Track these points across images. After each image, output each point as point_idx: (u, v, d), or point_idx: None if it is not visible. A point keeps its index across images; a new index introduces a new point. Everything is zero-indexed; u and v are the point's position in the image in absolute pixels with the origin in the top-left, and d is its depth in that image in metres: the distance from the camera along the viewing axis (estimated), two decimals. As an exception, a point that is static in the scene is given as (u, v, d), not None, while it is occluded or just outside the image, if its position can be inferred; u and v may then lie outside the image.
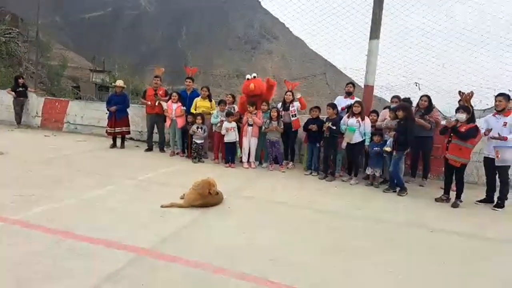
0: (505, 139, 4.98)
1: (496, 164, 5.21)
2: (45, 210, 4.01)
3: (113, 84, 10.21)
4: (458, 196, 5.22)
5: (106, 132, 8.56)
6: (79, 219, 3.80)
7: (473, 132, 5.03)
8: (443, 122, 5.74)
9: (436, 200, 5.36)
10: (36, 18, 13.72)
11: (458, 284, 2.89)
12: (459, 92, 5.50)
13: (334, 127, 6.17)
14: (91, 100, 17.09)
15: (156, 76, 8.32)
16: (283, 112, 7.05)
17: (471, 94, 5.29)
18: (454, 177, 5.33)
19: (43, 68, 19.24)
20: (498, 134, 5.06)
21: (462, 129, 5.02)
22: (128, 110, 8.59)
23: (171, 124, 7.79)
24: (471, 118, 5.12)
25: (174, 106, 7.69)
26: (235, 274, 2.83)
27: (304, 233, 3.82)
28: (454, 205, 5.15)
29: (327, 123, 6.26)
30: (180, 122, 7.66)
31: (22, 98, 10.80)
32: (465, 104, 5.23)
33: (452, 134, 5.16)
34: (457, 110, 5.23)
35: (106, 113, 8.53)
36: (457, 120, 5.12)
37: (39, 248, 3.07)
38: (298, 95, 7.09)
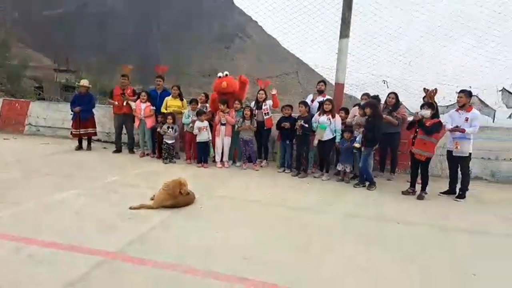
0: (463, 131, 5.27)
1: (454, 154, 5.48)
2: (3, 216, 3.77)
3: (77, 84, 9.79)
4: (423, 189, 5.43)
5: (71, 133, 8.21)
6: (40, 224, 3.61)
7: (437, 127, 5.22)
8: (410, 118, 5.95)
9: (403, 193, 5.55)
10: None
11: (420, 275, 2.99)
12: (424, 89, 5.71)
13: (307, 125, 6.24)
14: (56, 100, 16.33)
15: (123, 75, 8.05)
16: (256, 111, 7.03)
17: (435, 91, 5.48)
18: (419, 171, 5.53)
19: (2, 68, 18.16)
20: (457, 126, 5.35)
21: (427, 124, 5.22)
22: (94, 110, 8.27)
23: (139, 125, 7.58)
24: (436, 114, 5.32)
25: (143, 106, 7.48)
26: (207, 273, 2.78)
27: (277, 231, 3.82)
28: (420, 197, 5.35)
29: (299, 121, 6.32)
30: (150, 122, 7.46)
31: (-23, 100, 10.16)
32: (429, 100, 5.44)
33: (417, 130, 5.35)
34: (422, 107, 5.41)
35: (71, 114, 8.16)
36: (422, 116, 5.30)
37: (-4, 256, 2.87)
38: (273, 91, 7.10)
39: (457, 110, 5.58)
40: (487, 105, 9.34)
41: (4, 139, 9.13)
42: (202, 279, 2.71)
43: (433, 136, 5.26)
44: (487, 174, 6.91)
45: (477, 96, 8.83)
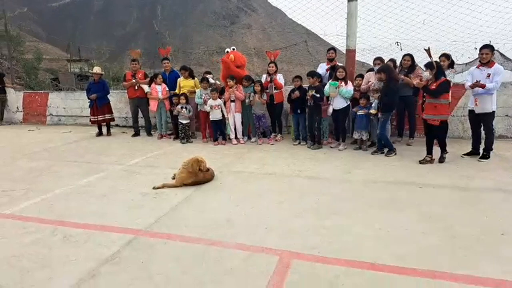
0: (483, 86, 5.00)
1: (476, 111, 5.25)
2: (35, 202, 3.99)
3: (90, 72, 9.98)
4: (443, 150, 5.23)
5: (90, 121, 8.45)
6: (71, 208, 3.80)
7: (444, 87, 4.91)
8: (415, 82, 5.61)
9: (421, 162, 5.21)
10: (1, 11, 13.07)
11: (443, 235, 3.00)
12: (424, 49, 5.41)
13: (318, 95, 6.15)
14: (72, 90, 16.62)
15: (133, 60, 8.09)
16: (269, 84, 6.97)
17: (428, 49, 5.15)
18: (437, 137, 5.25)
19: (18, 63, 18.52)
20: (476, 81, 5.07)
21: (433, 87, 4.94)
22: (109, 96, 8.43)
23: (158, 107, 7.65)
24: (439, 73, 4.98)
25: (159, 88, 7.54)
26: (231, 245, 2.89)
27: (296, 200, 3.88)
28: (441, 160, 5.21)
29: (310, 91, 6.23)
30: (167, 104, 7.56)
31: (1, 95, 10.53)
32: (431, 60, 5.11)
33: (424, 94, 5.11)
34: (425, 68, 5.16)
35: (88, 102, 8.36)
36: (427, 80, 5.05)
37: (34, 239, 3.07)
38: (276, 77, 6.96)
39: (478, 67, 5.30)
40: (509, 59, 8.88)
41: (29, 130, 9.49)
42: (225, 249, 2.82)
43: (442, 97, 4.94)
44: None
45: (498, 51, 8.40)
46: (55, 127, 10.15)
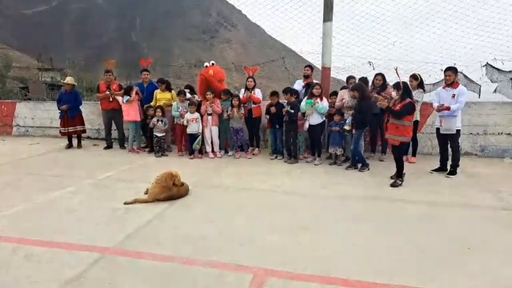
0: (448, 108, 5.28)
1: (441, 132, 5.52)
2: (-4, 219, 3.74)
3: (62, 82, 9.68)
4: (398, 174, 5.06)
5: (60, 132, 8.13)
6: (35, 225, 3.59)
7: (408, 109, 4.82)
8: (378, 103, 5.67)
9: (391, 179, 5.17)
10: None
11: (413, 250, 3.07)
12: (394, 68, 5.37)
13: (292, 111, 6.24)
14: (42, 100, 16.04)
15: (107, 71, 7.92)
16: (246, 100, 7.00)
17: (396, 69, 5.10)
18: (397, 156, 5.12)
19: (-16, 70, 17.75)
20: (442, 104, 5.34)
21: (397, 107, 4.88)
22: (81, 107, 8.18)
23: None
24: (405, 94, 4.91)
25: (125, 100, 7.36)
26: (203, 263, 2.81)
27: (272, 216, 3.86)
28: (393, 184, 4.97)
29: (286, 107, 6.33)
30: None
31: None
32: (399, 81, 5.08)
33: (389, 114, 5.12)
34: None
35: (58, 113, 8.06)
36: (392, 99, 5.12)
37: (-9, 259, 2.87)
38: (254, 93, 7.03)
39: (444, 88, 5.61)
40: (472, 81, 9.44)
41: (-8, 142, 9.00)
42: (198, 267, 2.74)
43: (405, 119, 4.86)
44: (476, 149, 7.04)
45: (462, 73, 8.92)
46: (22, 138, 9.69)
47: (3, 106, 10.40)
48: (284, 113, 6.34)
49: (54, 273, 2.64)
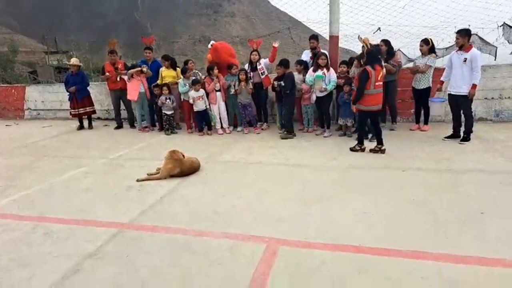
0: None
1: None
2: (15, 199, 3.87)
3: (68, 64, 9.66)
4: (379, 142, 5.13)
5: (70, 114, 8.23)
6: (53, 203, 3.70)
7: (360, 78, 4.95)
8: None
9: (351, 149, 5.29)
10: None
11: (426, 217, 3.06)
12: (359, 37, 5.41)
13: (282, 83, 6.15)
14: (50, 83, 16.13)
15: (111, 51, 7.83)
16: (251, 73, 6.90)
17: (359, 37, 5.22)
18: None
19: (-8, 56, 17.82)
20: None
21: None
22: (89, 88, 8.20)
23: (139, 97, 7.39)
24: (368, 61, 4.96)
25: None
26: (217, 235, 2.87)
27: (282, 188, 3.88)
28: (353, 149, 5.22)
29: (275, 82, 6.26)
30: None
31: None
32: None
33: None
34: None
35: (67, 95, 8.12)
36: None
37: (13, 237, 2.98)
38: (275, 44, 6.87)
39: (456, 51, 5.40)
40: (487, 43, 9.01)
41: (6, 125, 9.17)
42: (211, 239, 2.80)
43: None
44: (491, 115, 6.85)
45: (477, 35, 8.51)
46: (34, 121, 9.85)
47: (13, 91, 10.52)
48: (275, 86, 6.27)
49: (74, 248, 2.74)
